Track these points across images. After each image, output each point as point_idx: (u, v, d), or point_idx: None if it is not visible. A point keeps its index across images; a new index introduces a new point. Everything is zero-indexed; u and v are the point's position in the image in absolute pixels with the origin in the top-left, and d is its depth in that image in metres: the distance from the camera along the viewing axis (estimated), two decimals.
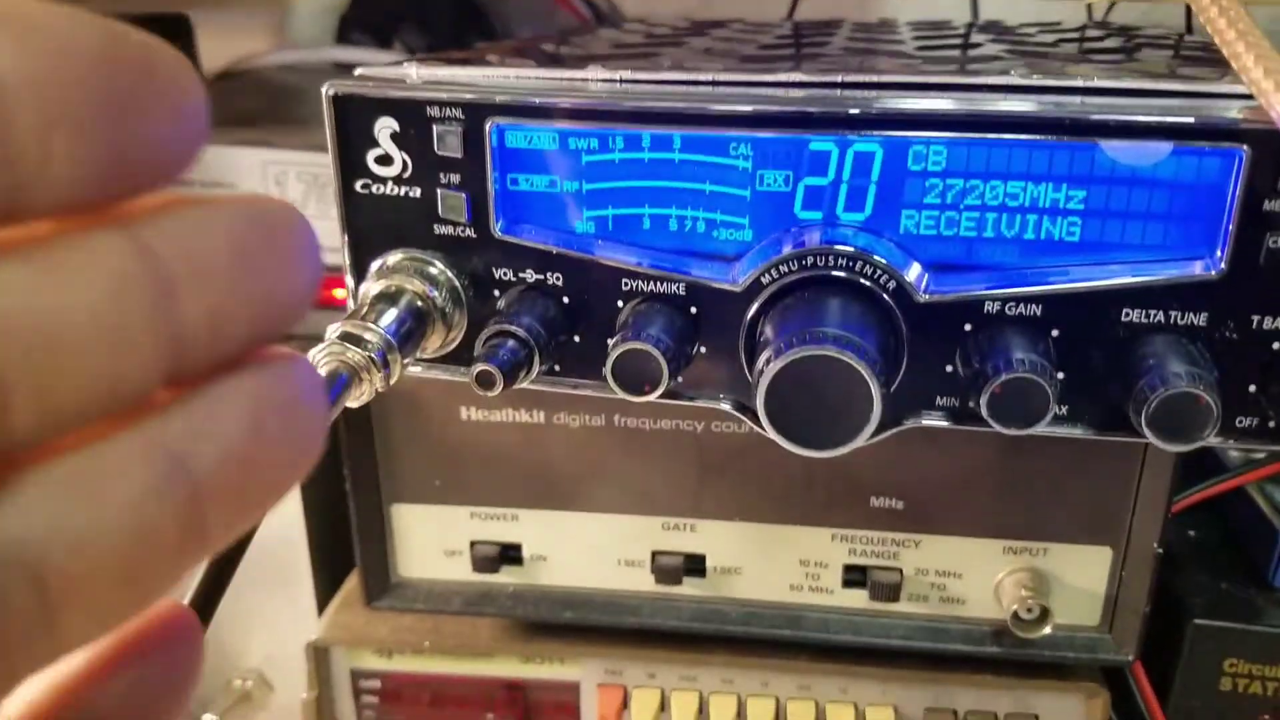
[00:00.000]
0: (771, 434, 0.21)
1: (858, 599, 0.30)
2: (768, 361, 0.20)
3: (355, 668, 0.35)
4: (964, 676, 0.32)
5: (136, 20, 0.11)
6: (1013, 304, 0.21)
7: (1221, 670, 0.33)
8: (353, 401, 0.21)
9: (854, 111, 0.21)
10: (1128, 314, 0.21)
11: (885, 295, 0.22)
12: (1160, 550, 0.28)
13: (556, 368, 0.24)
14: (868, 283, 0.22)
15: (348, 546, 0.35)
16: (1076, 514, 0.28)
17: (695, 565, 0.31)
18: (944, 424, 0.23)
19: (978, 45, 0.31)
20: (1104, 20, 0.45)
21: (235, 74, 0.59)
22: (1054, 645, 0.29)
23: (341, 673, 0.35)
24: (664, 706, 0.34)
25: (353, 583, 0.37)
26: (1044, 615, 0.28)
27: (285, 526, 0.38)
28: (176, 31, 0.54)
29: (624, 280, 0.23)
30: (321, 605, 0.37)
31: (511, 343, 0.22)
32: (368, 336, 0.21)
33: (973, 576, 0.29)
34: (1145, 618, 0.29)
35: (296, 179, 0.39)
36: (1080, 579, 0.29)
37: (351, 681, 0.35)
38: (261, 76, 0.58)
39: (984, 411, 0.20)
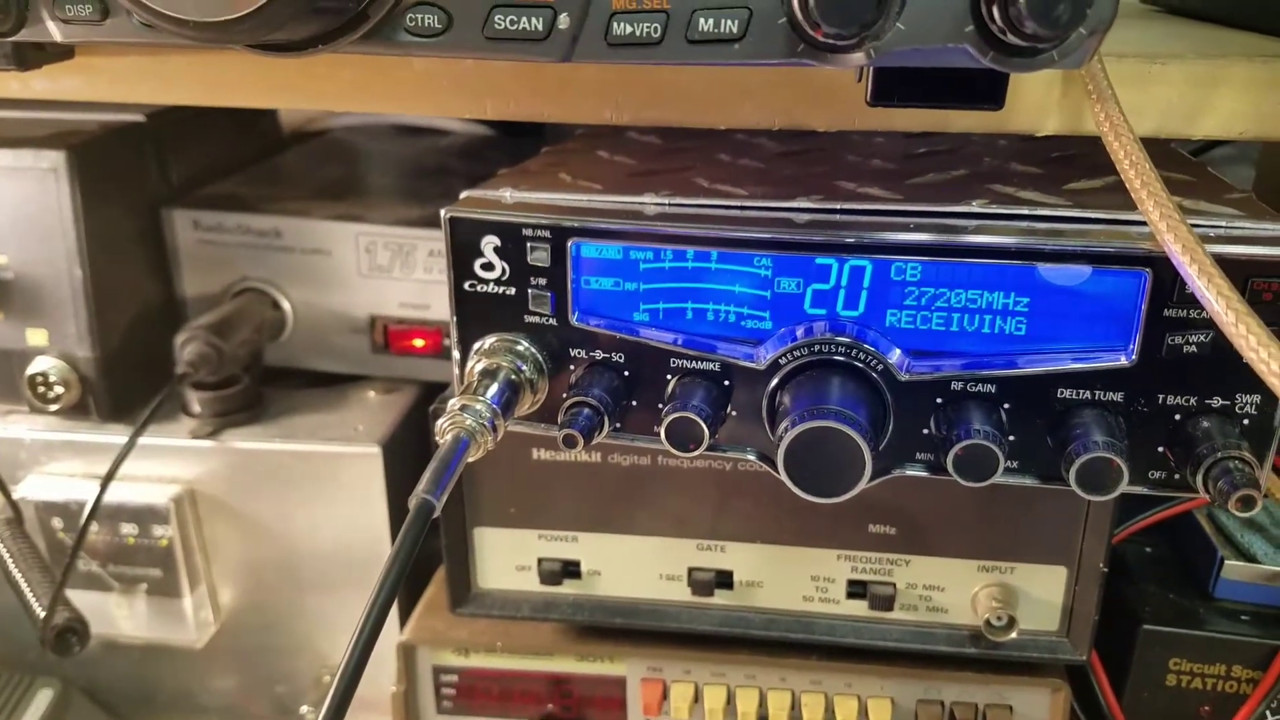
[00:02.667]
0: (789, 484, 0.27)
1: (859, 608, 0.37)
2: (785, 429, 0.26)
3: (436, 664, 0.42)
4: (949, 674, 0.38)
5: None
6: (973, 383, 0.28)
7: (1168, 669, 0.38)
8: (471, 458, 0.27)
9: (850, 240, 0.27)
10: (1062, 392, 0.27)
11: (874, 374, 0.28)
12: (1105, 569, 0.34)
13: (619, 426, 0.30)
14: (861, 365, 0.28)
15: (423, 559, 0.42)
16: (1037, 540, 0.34)
17: (724, 579, 0.37)
18: (923, 474, 0.29)
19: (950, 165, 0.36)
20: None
21: (307, 134, 0.66)
22: (1021, 647, 0.36)
23: (425, 669, 0.42)
24: (697, 698, 0.40)
25: (432, 591, 0.44)
26: (1011, 622, 0.34)
27: (372, 540, 0.45)
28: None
29: (671, 359, 0.30)
30: (400, 610, 0.44)
31: (587, 410, 0.29)
32: (478, 406, 0.28)
33: (953, 590, 0.36)
34: (1095, 624, 0.35)
35: (384, 248, 0.46)
36: (1041, 592, 0.35)
37: (433, 676, 0.42)
38: (334, 140, 0.65)
39: (950, 469, 0.27)
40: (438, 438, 0.27)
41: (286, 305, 0.48)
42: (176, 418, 0.44)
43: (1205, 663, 0.38)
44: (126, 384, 0.44)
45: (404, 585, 0.44)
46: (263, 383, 0.47)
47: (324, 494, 0.44)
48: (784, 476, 0.27)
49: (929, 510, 0.35)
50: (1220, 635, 0.38)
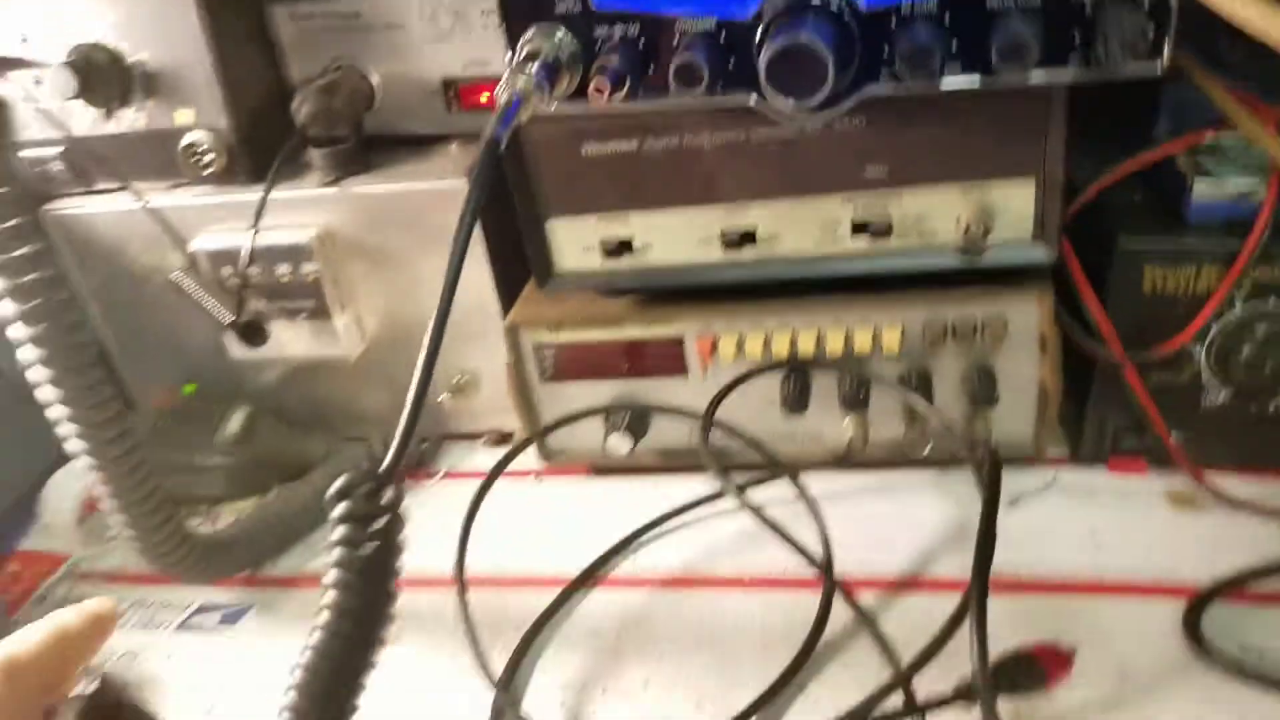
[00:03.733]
0: (773, 96, 0.34)
1: (864, 243, 0.44)
2: (767, 50, 0.33)
3: (536, 342, 0.52)
4: (949, 295, 0.45)
5: None
6: (919, 5, 0.34)
7: (1143, 276, 0.45)
8: (523, 116, 0.36)
9: None
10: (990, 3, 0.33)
11: (842, 10, 0.34)
12: (1064, 179, 0.40)
13: (640, 91, 0.38)
14: (831, 6, 0.34)
15: (518, 281, 0.51)
16: (1006, 157, 0.41)
17: (749, 237, 0.45)
18: (889, 91, 0.36)
19: None
20: None
21: None
22: (1003, 255, 0.43)
23: (528, 345, 0.52)
24: (740, 346, 0.49)
25: (526, 291, 0.54)
26: (987, 231, 0.41)
27: (478, 289, 0.54)
28: None
29: (677, 26, 0.37)
30: (503, 305, 0.54)
31: (612, 68, 0.36)
32: (524, 75, 0.36)
33: (940, 215, 0.43)
34: (1060, 228, 0.41)
35: (444, 14, 0.53)
36: (1015, 206, 0.42)
37: (535, 351, 0.52)
38: None
39: (900, 67, 0.33)
40: (495, 101, 0.35)
41: (374, 78, 0.56)
42: (305, 175, 0.54)
43: (1177, 267, 0.44)
44: (261, 152, 0.54)
45: (502, 290, 0.54)
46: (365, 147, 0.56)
47: (427, 226, 0.53)
48: (767, 88, 0.34)
49: (913, 145, 0.41)
50: (1189, 240, 0.43)
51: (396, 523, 0.34)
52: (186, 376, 0.62)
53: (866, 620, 0.42)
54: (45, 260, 0.36)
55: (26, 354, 0.38)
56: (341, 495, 0.34)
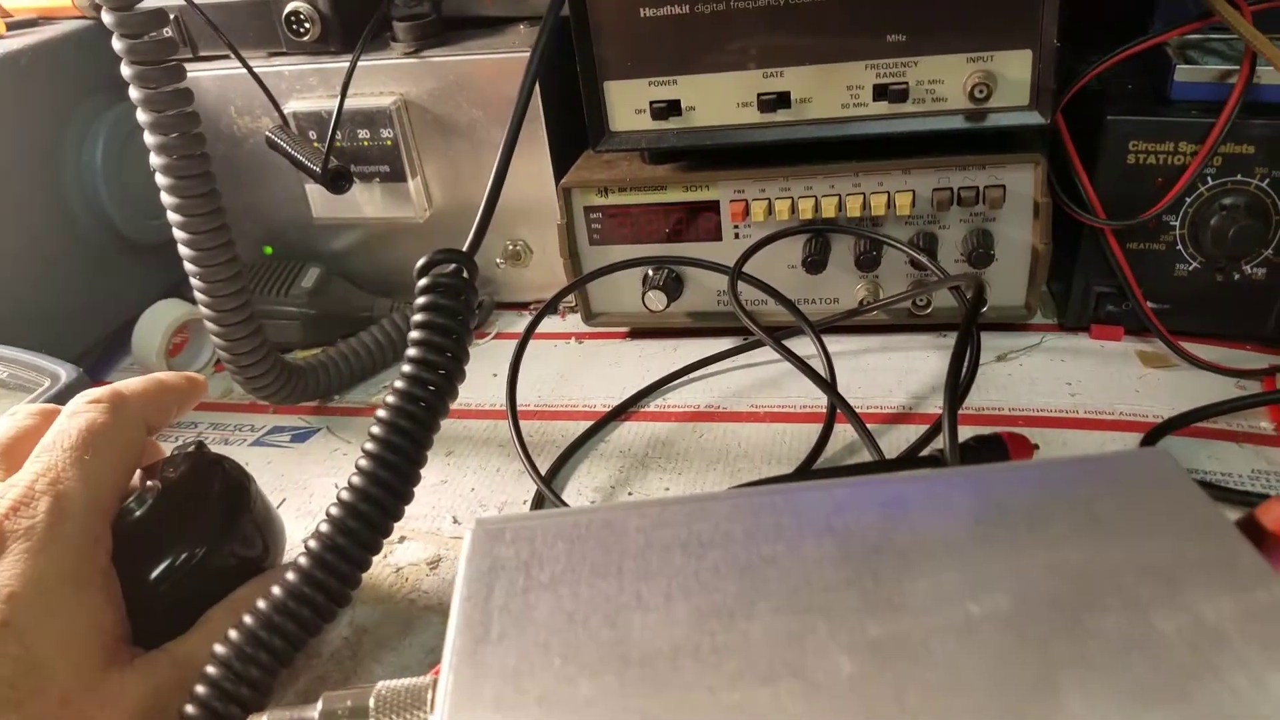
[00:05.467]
0: None
1: (884, 107, 0.50)
2: None
3: (586, 205, 0.58)
4: (953, 162, 0.52)
5: None
6: None
7: (1128, 150, 0.50)
8: None
9: None
10: None
11: None
12: (1059, 44, 0.46)
13: None
14: None
15: (568, 161, 0.58)
16: (1008, 29, 0.47)
17: (783, 99, 0.51)
18: None
19: None
20: None
21: None
22: (1003, 120, 0.49)
23: (579, 208, 0.58)
24: (770, 210, 0.55)
25: (579, 160, 0.60)
26: (989, 92, 0.47)
27: (531, 117, 0.60)
28: None
29: None
30: (556, 173, 0.60)
31: None
32: None
33: (949, 82, 0.49)
34: (1055, 95, 0.47)
35: None
36: (1014, 74, 0.48)
37: (585, 214, 0.59)
38: None
39: None
40: None
41: None
42: (389, 47, 0.61)
43: (1158, 142, 0.50)
44: (352, 24, 0.61)
45: (558, 173, 0.61)
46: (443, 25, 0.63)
47: (494, 98, 0.60)
48: None
49: (927, 16, 0.47)
50: (1170, 118, 0.49)
51: (471, 291, 0.40)
52: (266, 241, 0.69)
53: (858, 424, 0.48)
54: (188, 103, 0.43)
55: (168, 198, 0.44)
56: (427, 267, 0.40)
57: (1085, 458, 0.28)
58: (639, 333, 0.63)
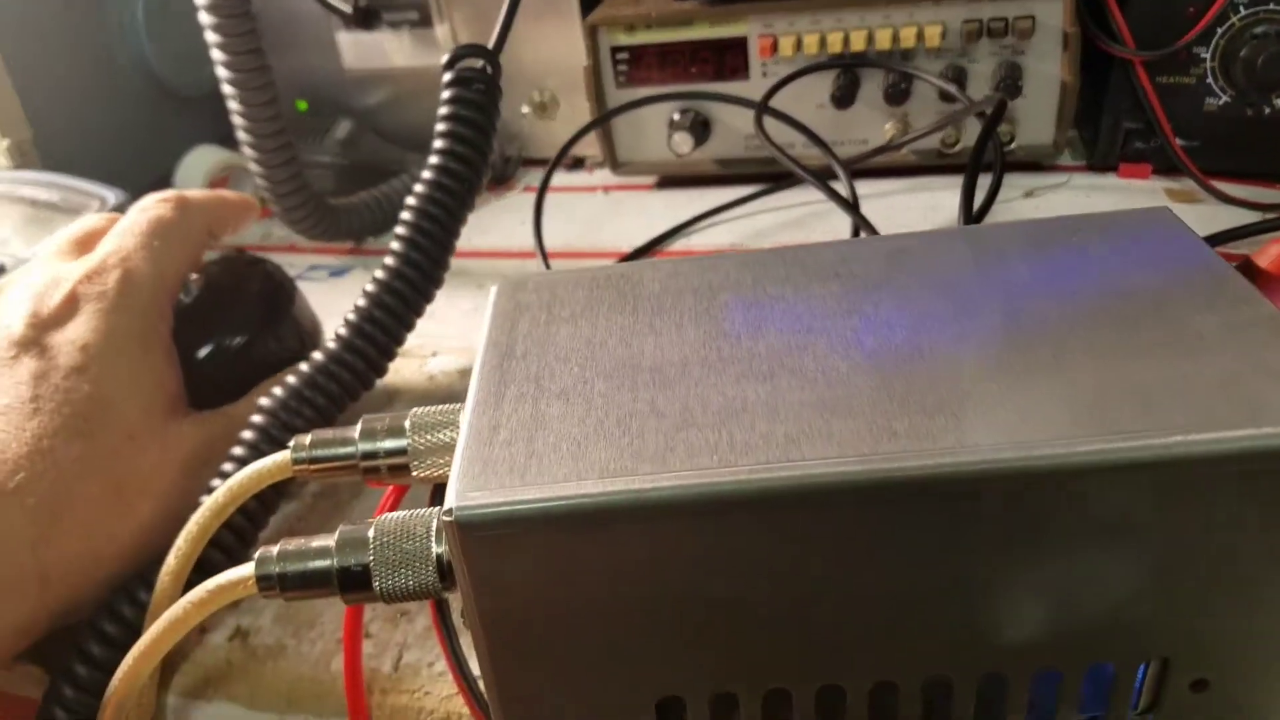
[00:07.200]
0: None
1: None
2: None
3: (613, 44, 0.59)
4: None
5: None
6: None
7: None
8: None
9: None
10: None
11: None
12: None
13: None
14: None
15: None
16: None
17: None
18: None
19: None
20: None
21: None
22: None
23: (605, 49, 0.59)
24: (799, 45, 0.55)
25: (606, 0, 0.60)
26: None
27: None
28: None
29: None
30: (583, 10, 0.60)
31: None
32: None
33: None
34: None
35: None
36: None
37: (611, 54, 0.59)
38: None
39: None
40: None
41: None
42: None
43: None
44: None
45: (587, 7, 0.61)
46: None
47: None
48: None
49: None
50: None
51: (495, 88, 0.41)
52: (299, 95, 0.71)
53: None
54: None
55: (212, 36, 0.46)
56: (455, 60, 0.41)
57: (1090, 215, 0.29)
58: (666, 182, 0.64)
